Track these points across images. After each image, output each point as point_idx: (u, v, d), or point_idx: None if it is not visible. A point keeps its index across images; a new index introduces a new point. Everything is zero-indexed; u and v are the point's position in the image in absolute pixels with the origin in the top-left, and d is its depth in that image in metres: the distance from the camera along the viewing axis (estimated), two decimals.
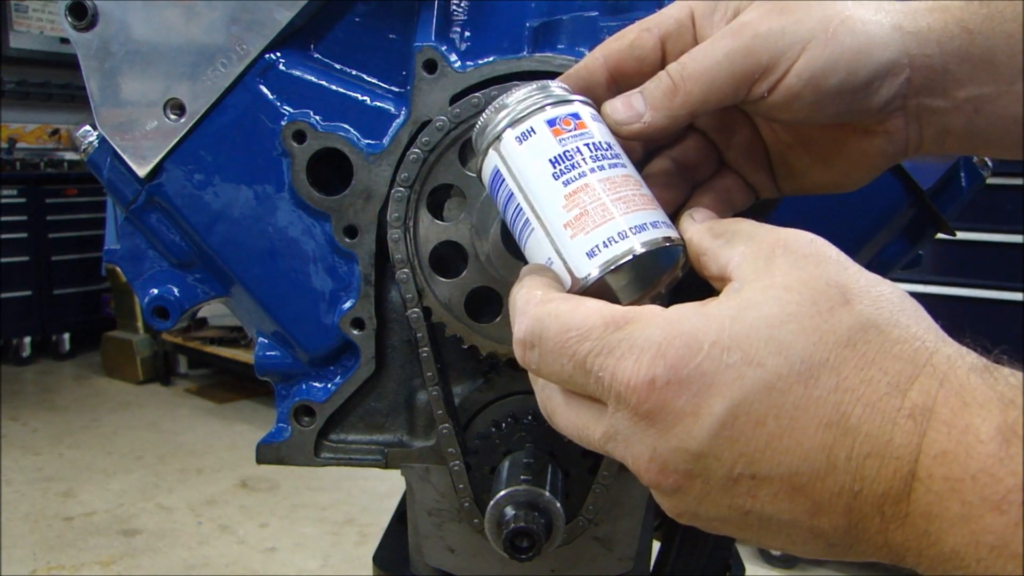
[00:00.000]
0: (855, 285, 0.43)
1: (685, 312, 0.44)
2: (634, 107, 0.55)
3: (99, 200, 5.83)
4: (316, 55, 0.76)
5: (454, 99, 0.70)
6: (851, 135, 0.57)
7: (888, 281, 0.44)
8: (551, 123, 0.54)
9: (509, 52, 0.71)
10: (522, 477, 0.72)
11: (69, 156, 6.27)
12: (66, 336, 6.23)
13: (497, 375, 0.78)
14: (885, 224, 0.78)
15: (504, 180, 0.55)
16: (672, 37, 0.57)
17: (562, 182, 0.53)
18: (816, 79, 0.52)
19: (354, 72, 0.76)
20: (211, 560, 3.31)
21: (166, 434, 4.69)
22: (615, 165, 0.53)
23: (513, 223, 0.56)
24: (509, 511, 0.70)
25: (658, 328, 0.43)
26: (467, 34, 0.73)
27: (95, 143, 0.77)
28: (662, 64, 0.58)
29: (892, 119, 0.56)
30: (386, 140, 0.73)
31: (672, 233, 0.52)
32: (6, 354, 6.05)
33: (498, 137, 0.55)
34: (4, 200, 5.78)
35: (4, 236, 5.73)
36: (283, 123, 0.73)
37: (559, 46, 0.71)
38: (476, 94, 0.68)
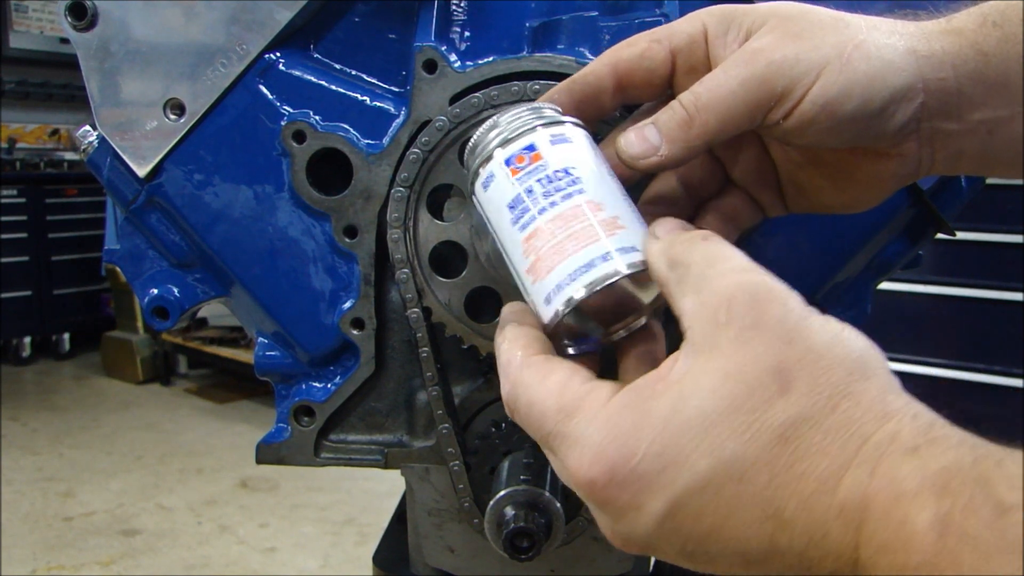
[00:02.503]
0: (796, 366, 0.42)
1: (628, 404, 0.45)
2: (649, 140, 0.54)
3: (99, 200, 5.82)
4: (316, 55, 0.76)
5: (454, 99, 0.70)
6: (864, 158, 0.57)
7: (844, 333, 0.43)
8: (507, 162, 0.53)
9: (509, 52, 0.71)
10: (522, 477, 0.72)
11: (69, 156, 6.27)
12: (66, 336, 6.23)
13: (497, 375, 0.78)
14: (885, 224, 0.78)
15: (487, 221, 0.55)
16: (683, 52, 0.56)
17: (518, 227, 0.52)
18: (831, 105, 0.52)
19: (354, 72, 0.76)
20: (211, 560, 3.31)
21: (166, 434, 4.69)
22: (568, 195, 0.51)
23: (503, 259, 0.56)
24: (509, 511, 0.70)
25: (599, 427, 0.45)
26: (467, 34, 0.73)
27: (95, 143, 0.77)
28: (671, 77, 0.57)
29: (906, 143, 0.55)
30: (386, 140, 0.73)
31: (622, 265, 0.50)
32: (6, 354, 6.05)
33: (474, 179, 0.55)
34: (4, 200, 5.78)
35: (4, 236, 5.73)
36: (283, 123, 0.73)
37: (559, 46, 0.71)
38: (476, 94, 0.68)
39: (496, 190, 0.53)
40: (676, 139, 0.53)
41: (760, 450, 0.41)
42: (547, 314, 0.52)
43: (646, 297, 0.53)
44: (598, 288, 0.50)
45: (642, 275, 0.50)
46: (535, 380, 0.49)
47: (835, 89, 0.51)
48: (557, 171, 0.52)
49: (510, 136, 0.54)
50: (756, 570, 0.43)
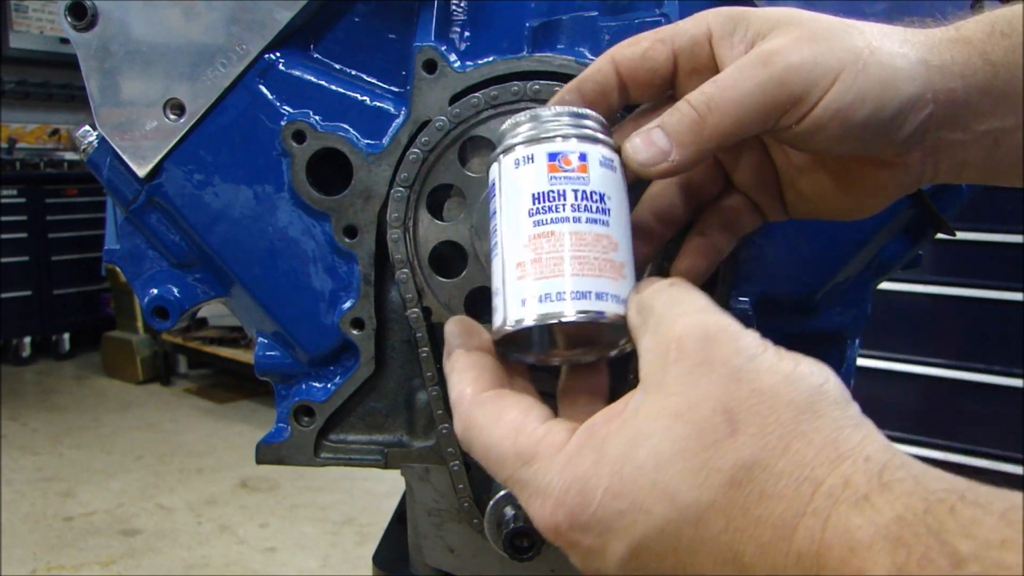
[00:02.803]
0: (743, 405, 0.42)
1: (584, 445, 0.45)
2: (657, 144, 0.52)
3: (99, 200, 5.82)
4: (316, 55, 0.76)
5: (454, 99, 0.70)
6: (868, 166, 0.56)
7: (798, 370, 0.43)
8: (552, 157, 0.52)
9: (509, 52, 0.71)
10: None
11: (69, 156, 6.27)
12: (66, 336, 6.24)
13: None
14: (885, 224, 0.78)
15: (494, 196, 0.55)
16: (686, 52, 0.55)
17: (533, 221, 0.51)
18: (844, 112, 0.51)
19: (354, 72, 0.76)
20: (211, 560, 3.31)
21: (166, 434, 4.69)
22: (595, 221, 0.51)
23: (490, 237, 0.55)
24: (509, 511, 0.70)
25: (556, 474, 0.45)
26: (467, 34, 0.73)
27: (95, 143, 0.77)
28: (673, 78, 0.57)
29: (911, 152, 0.55)
30: (386, 140, 0.73)
31: (614, 311, 0.50)
32: (6, 354, 6.05)
33: (508, 151, 0.54)
34: (4, 200, 5.78)
35: (4, 236, 5.73)
36: (283, 123, 0.73)
37: (559, 46, 0.71)
38: (476, 94, 0.68)
39: (528, 174, 0.52)
40: (687, 142, 0.52)
41: (714, 494, 0.41)
42: (513, 315, 0.51)
43: (613, 343, 0.54)
44: (587, 319, 0.49)
45: (622, 324, 0.50)
46: (488, 422, 0.49)
47: (850, 95, 0.51)
48: (595, 192, 0.51)
49: (570, 134, 0.53)
50: None
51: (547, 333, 0.54)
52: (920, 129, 0.53)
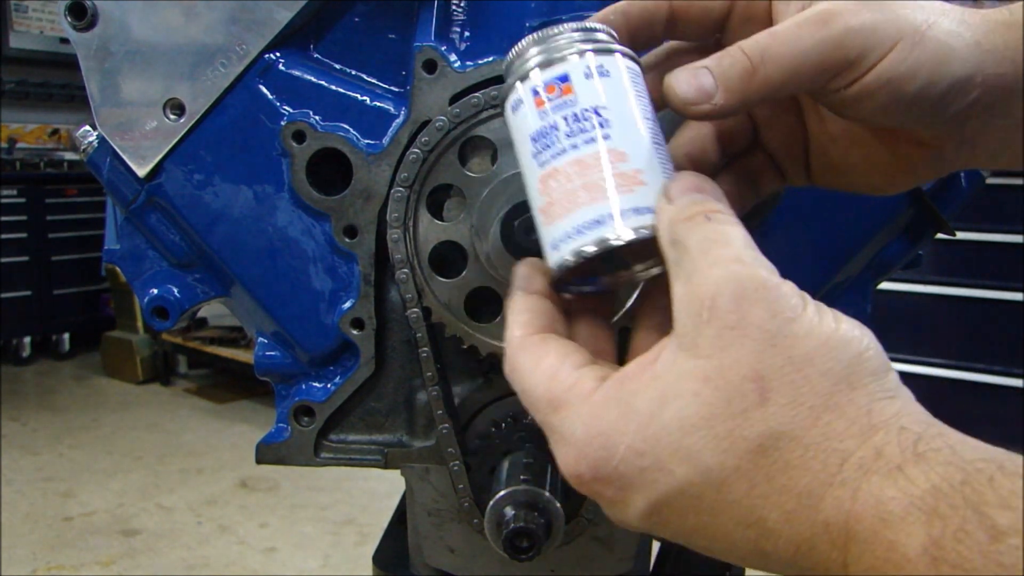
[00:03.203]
0: (776, 374, 0.41)
1: (611, 398, 0.45)
2: (703, 85, 0.50)
3: (99, 200, 5.83)
4: (316, 55, 0.76)
5: (454, 99, 0.70)
6: (903, 143, 0.56)
7: (836, 335, 0.42)
8: (535, 92, 0.49)
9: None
10: (522, 477, 0.72)
11: (69, 156, 6.26)
12: (66, 336, 6.23)
13: (497, 375, 0.78)
14: (885, 224, 0.78)
15: (513, 146, 0.53)
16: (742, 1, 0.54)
17: (538, 163, 0.50)
18: (895, 82, 0.50)
19: (354, 72, 0.76)
20: (211, 560, 3.31)
21: (166, 434, 4.69)
22: (591, 140, 0.48)
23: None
24: (509, 511, 0.70)
25: (582, 424, 0.45)
26: (467, 34, 0.73)
27: (95, 143, 0.77)
28: (724, 22, 0.55)
29: (951, 135, 0.54)
30: (386, 140, 0.73)
31: (625, 231, 0.47)
32: (6, 354, 6.05)
33: (504, 102, 0.52)
34: (4, 200, 5.78)
35: (4, 236, 5.73)
36: (283, 123, 0.73)
37: None
38: (476, 94, 0.68)
39: (521, 117, 0.50)
40: (734, 88, 0.50)
41: (738, 460, 0.41)
42: (550, 260, 0.50)
43: (643, 264, 0.52)
44: (595, 251, 0.48)
45: (651, 236, 0.47)
46: (528, 366, 0.49)
47: (904, 66, 0.49)
48: (585, 110, 0.48)
49: (549, 58, 0.50)
50: (751, 564, 0.43)
51: (580, 269, 0.51)
52: (964, 112, 0.52)
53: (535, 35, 0.51)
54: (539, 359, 0.49)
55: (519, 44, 0.51)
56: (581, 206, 0.48)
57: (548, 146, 0.49)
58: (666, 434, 0.42)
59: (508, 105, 0.52)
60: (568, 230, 0.48)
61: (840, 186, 0.60)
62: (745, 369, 0.41)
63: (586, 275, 0.54)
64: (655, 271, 0.53)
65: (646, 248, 0.49)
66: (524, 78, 0.50)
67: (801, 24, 0.50)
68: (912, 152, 0.56)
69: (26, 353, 6.09)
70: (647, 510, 0.44)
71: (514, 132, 0.52)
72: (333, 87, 0.74)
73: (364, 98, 0.74)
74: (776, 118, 0.60)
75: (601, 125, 0.48)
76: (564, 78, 0.49)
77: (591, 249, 0.48)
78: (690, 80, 0.50)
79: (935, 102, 0.51)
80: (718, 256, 0.44)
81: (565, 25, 0.51)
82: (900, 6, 0.51)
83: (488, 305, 0.73)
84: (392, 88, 0.76)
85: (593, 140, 0.48)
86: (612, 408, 0.44)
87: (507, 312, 0.53)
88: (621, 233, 0.47)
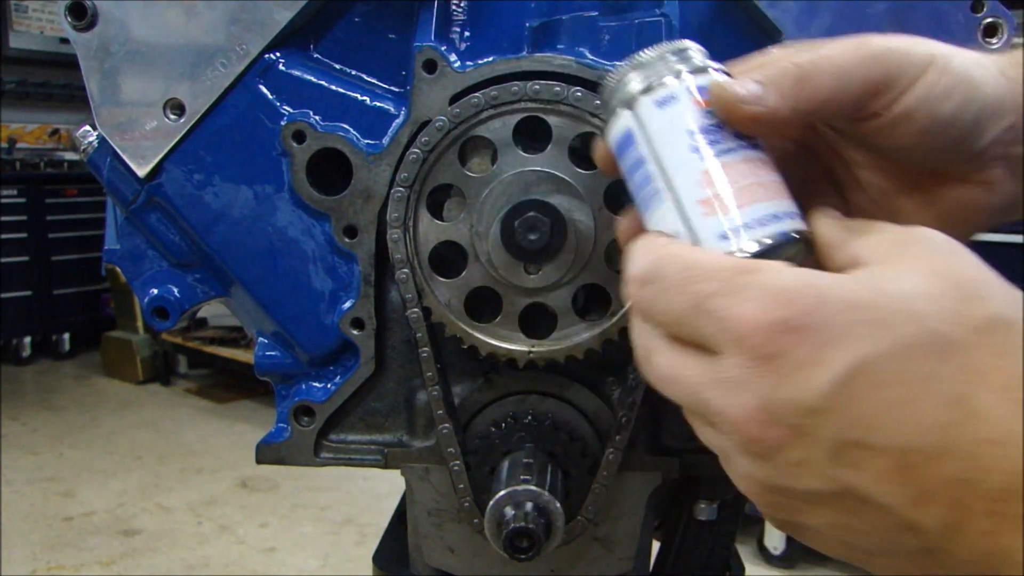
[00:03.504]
0: (992, 281, 0.41)
1: (817, 272, 0.43)
2: (754, 89, 0.51)
3: (99, 200, 5.82)
4: (316, 55, 0.76)
5: (454, 99, 0.70)
6: (946, 183, 0.56)
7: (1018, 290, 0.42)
8: (702, 91, 0.52)
9: (509, 52, 0.71)
10: (522, 477, 0.72)
11: (69, 156, 6.27)
12: (66, 336, 6.23)
13: (497, 375, 0.78)
14: None
15: (635, 144, 0.53)
16: None
17: (699, 156, 0.51)
18: (932, 103, 0.51)
19: (354, 72, 0.76)
20: (211, 560, 3.31)
21: (166, 434, 4.70)
22: (756, 146, 0.52)
23: (638, 189, 0.54)
24: (509, 511, 0.70)
25: (791, 277, 0.42)
26: (467, 34, 0.73)
27: (95, 143, 0.77)
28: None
29: (991, 167, 0.54)
30: (386, 140, 0.73)
31: (799, 225, 0.50)
32: (6, 354, 6.05)
33: (634, 98, 0.53)
34: (4, 200, 5.78)
35: (4, 236, 5.73)
36: (283, 123, 0.73)
37: (559, 46, 0.71)
38: (476, 94, 0.68)
39: (678, 111, 0.52)
40: (786, 94, 0.50)
41: (963, 333, 0.39)
42: (722, 249, 0.50)
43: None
44: (782, 241, 0.49)
45: (800, 246, 0.50)
46: (691, 251, 0.47)
47: (939, 87, 0.51)
48: None
49: (695, 68, 0.53)
50: (907, 481, 0.39)
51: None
52: (999, 141, 0.53)
53: (667, 46, 0.54)
54: (704, 250, 0.47)
55: (665, 46, 0.54)
56: (761, 201, 0.50)
57: (718, 142, 0.51)
58: (890, 298, 0.40)
59: (649, 100, 0.53)
60: (748, 220, 0.49)
61: None
62: (964, 270, 0.41)
63: None
64: None
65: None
66: (678, 75, 0.53)
67: (843, 45, 0.52)
68: (960, 193, 0.56)
69: (26, 353, 6.09)
70: (843, 374, 0.39)
71: (654, 127, 0.53)
72: (333, 87, 0.74)
73: (364, 98, 0.74)
74: (813, 192, 0.59)
75: (752, 136, 0.52)
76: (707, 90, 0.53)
77: (777, 240, 0.49)
78: (742, 83, 0.51)
79: (970, 125, 0.52)
80: (907, 227, 0.46)
81: (688, 43, 0.55)
82: (923, 40, 0.53)
83: (488, 305, 0.73)
84: (392, 88, 0.76)
85: (756, 147, 0.52)
86: (823, 275, 0.42)
87: (638, 238, 0.51)
88: (798, 227, 0.50)
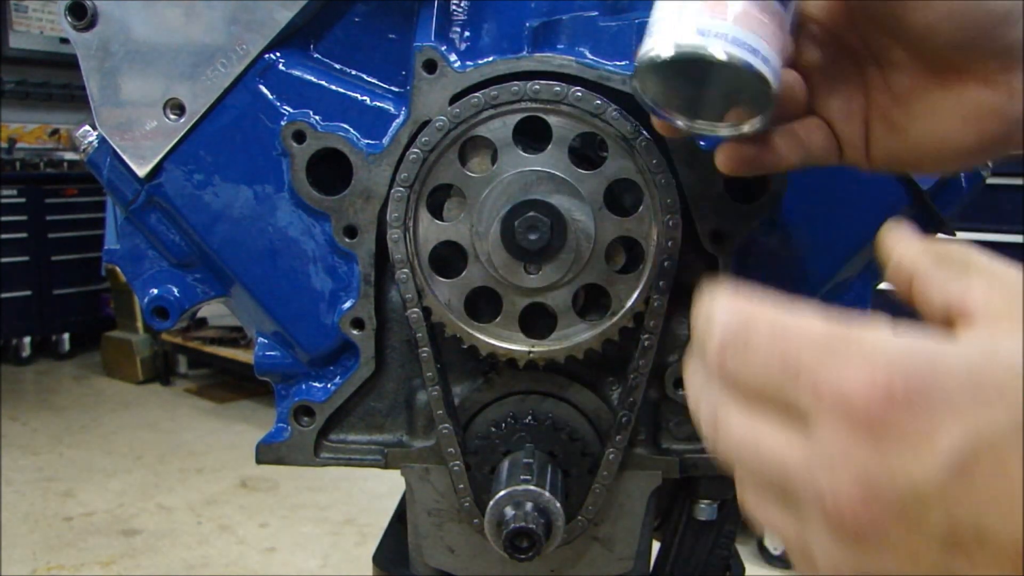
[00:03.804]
0: None
1: (922, 337, 0.38)
2: None
3: (99, 200, 5.82)
4: (316, 55, 0.76)
5: (454, 99, 0.70)
6: (970, 83, 0.55)
7: None
8: None
9: (509, 52, 0.71)
10: (522, 477, 0.72)
11: (69, 156, 6.27)
12: (66, 336, 6.23)
13: (497, 375, 0.78)
14: (885, 223, 0.78)
15: None
16: None
17: None
18: None
19: (354, 72, 0.76)
20: (211, 560, 3.31)
21: (166, 434, 4.69)
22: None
23: None
24: (509, 511, 0.70)
25: (898, 342, 0.37)
26: (467, 34, 0.73)
27: (95, 143, 0.77)
28: None
29: (1016, 71, 0.53)
30: (386, 140, 0.73)
31: (769, 74, 0.51)
32: (6, 354, 6.05)
33: None
34: (4, 200, 5.78)
35: (4, 236, 5.73)
36: (283, 123, 0.73)
37: (559, 46, 0.71)
38: (476, 94, 0.68)
39: None
40: None
41: None
42: (692, 43, 0.51)
43: (746, 113, 0.54)
44: (750, 71, 0.50)
45: (769, 97, 0.52)
46: (779, 312, 0.41)
47: None
48: None
49: None
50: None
51: (690, 73, 0.53)
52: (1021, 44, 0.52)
53: None
54: (794, 310, 0.42)
55: None
56: (755, 32, 0.51)
57: None
58: (1011, 369, 0.35)
59: None
60: (734, 36, 0.50)
61: (897, 156, 0.59)
62: None
63: (669, 84, 0.56)
64: (725, 132, 0.57)
65: (738, 97, 0.53)
66: None
67: None
68: (980, 95, 0.55)
69: (26, 353, 6.09)
70: (962, 449, 0.34)
71: None
72: (333, 87, 0.74)
73: (364, 98, 0.74)
74: (838, 84, 0.59)
75: None
76: None
77: (742, 64, 0.50)
78: None
79: (1003, 14, 0.51)
80: (1008, 267, 0.41)
81: None
82: None
83: (488, 305, 0.73)
84: (392, 88, 0.76)
85: (787, 7, 0.53)
86: (930, 341, 0.37)
87: (711, 294, 0.45)
88: (768, 74, 0.51)
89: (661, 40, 0.52)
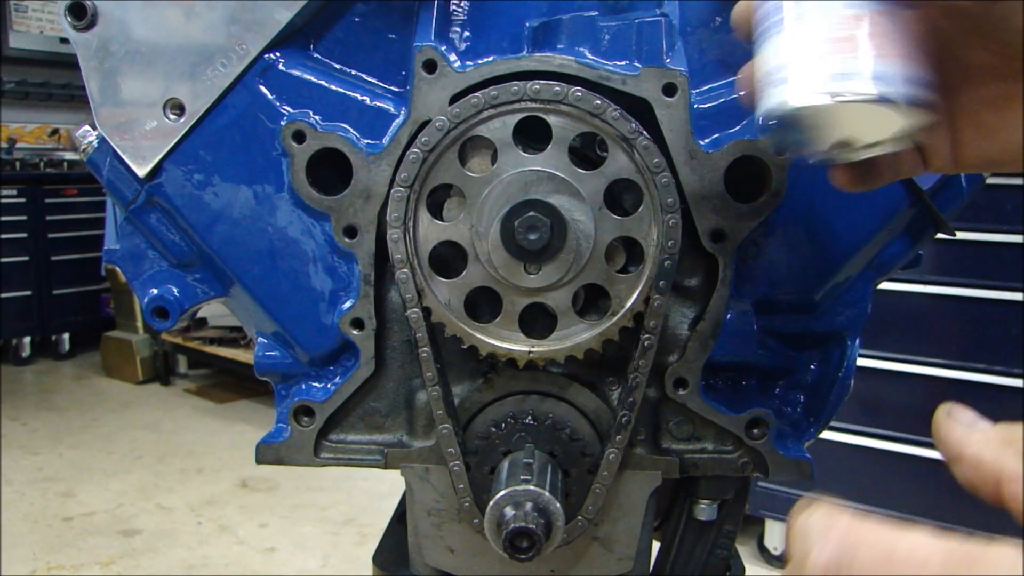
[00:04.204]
0: None
1: None
2: None
3: (99, 200, 5.83)
4: (316, 55, 0.76)
5: (454, 99, 0.70)
6: None
7: None
8: None
9: (509, 52, 0.71)
10: (522, 477, 0.72)
11: (69, 156, 6.27)
12: (66, 336, 6.24)
13: (497, 375, 0.78)
14: (885, 224, 0.78)
15: None
16: None
17: (843, 3, 0.50)
18: None
19: (354, 72, 0.76)
20: (211, 560, 3.31)
21: (166, 434, 4.70)
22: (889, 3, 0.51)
23: (763, 18, 0.53)
24: (509, 511, 0.70)
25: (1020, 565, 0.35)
26: (467, 34, 0.73)
27: (95, 143, 0.77)
28: None
29: None
30: (386, 140, 0.73)
31: (929, 96, 0.49)
32: (6, 354, 6.06)
33: None
34: (4, 200, 5.79)
35: (4, 236, 5.74)
36: (283, 123, 0.73)
37: (559, 46, 0.71)
38: (476, 94, 0.68)
39: None
40: None
41: None
42: (825, 87, 0.49)
43: (889, 144, 0.53)
44: (902, 101, 0.49)
45: (912, 129, 0.50)
46: (887, 534, 0.39)
47: None
48: None
49: None
50: None
51: (842, 113, 0.52)
52: None
53: None
54: (901, 531, 0.39)
55: None
56: (886, 57, 0.49)
57: None
58: None
59: None
60: (871, 71, 0.49)
61: (996, 162, 0.59)
62: None
63: (812, 128, 0.54)
64: (862, 154, 0.55)
65: (865, 127, 0.51)
66: None
67: None
68: None
69: (26, 353, 6.10)
70: None
71: None
72: (333, 87, 0.74)
73: (364, 98, 0.74)
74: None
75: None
76: None
77: (899, 99, 0.48)
78: None
79: None
80: None
81: None
82: None
83: (488, 305, 0.73)
84: (392, 88, 0.76)
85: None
86: None
87: (812, 510, 0.43)
88: (929, 98, 0.49)
89: (798, 91, 0.50)
